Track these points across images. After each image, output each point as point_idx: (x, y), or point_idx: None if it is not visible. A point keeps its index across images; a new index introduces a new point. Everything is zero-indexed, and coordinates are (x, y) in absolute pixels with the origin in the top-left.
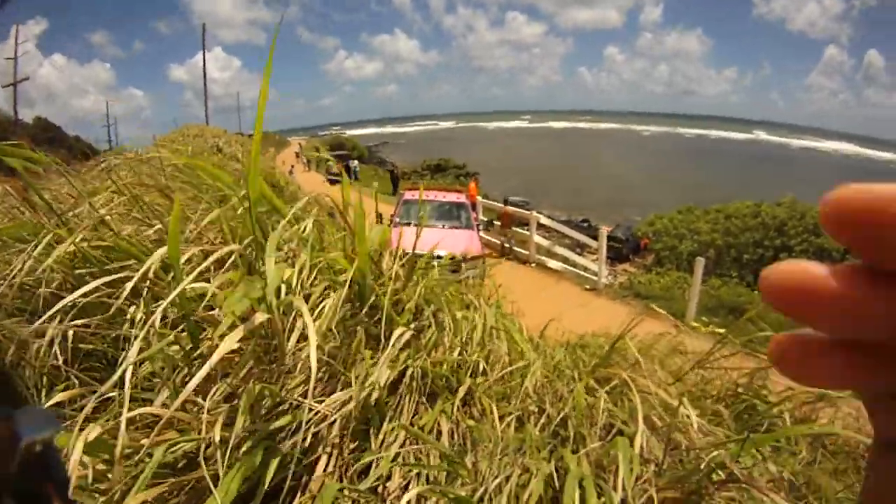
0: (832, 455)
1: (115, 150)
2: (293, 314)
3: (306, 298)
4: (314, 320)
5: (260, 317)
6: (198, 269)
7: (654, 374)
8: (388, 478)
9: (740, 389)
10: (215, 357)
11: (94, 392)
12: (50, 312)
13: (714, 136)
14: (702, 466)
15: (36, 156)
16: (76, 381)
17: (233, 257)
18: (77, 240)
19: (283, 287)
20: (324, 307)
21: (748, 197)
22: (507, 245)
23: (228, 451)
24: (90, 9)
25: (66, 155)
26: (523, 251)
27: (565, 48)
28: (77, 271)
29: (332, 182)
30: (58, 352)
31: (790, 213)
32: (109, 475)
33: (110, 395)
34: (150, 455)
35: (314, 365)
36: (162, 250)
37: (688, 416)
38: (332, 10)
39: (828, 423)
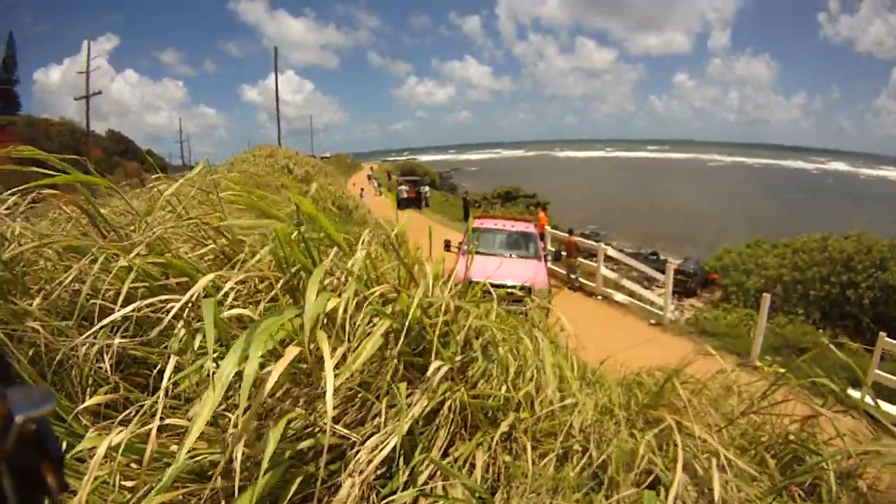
0: None
1: (185, 167)
2: (332, 338)
3: (351, 327)
4: (352, 350)
5: (293, 351)
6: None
7: (703, 417)
8: None
9: (791, 437)
10: (244, 389)
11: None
12: (103, 323)
13: (783, 165)
14: None
15: (91, 179)
16: (119, 386)
17: (279, 284)
18: (134, 256)
19: (324, 317)
20: (362, 338)
21: (817, 229)
22: (573, 276)
23: (252, 467)
24: (160, 28)
25: (138, 168)
26: (590, 283)
27: (636, 74)
28: (132, 285)
29: (403, 207)
30: (105, 357)
31: (857, 246)
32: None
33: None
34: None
35: (330, 400)
36: (207, 278)
37: (729, 467)
38: (401, 33)
39: (873, 480)
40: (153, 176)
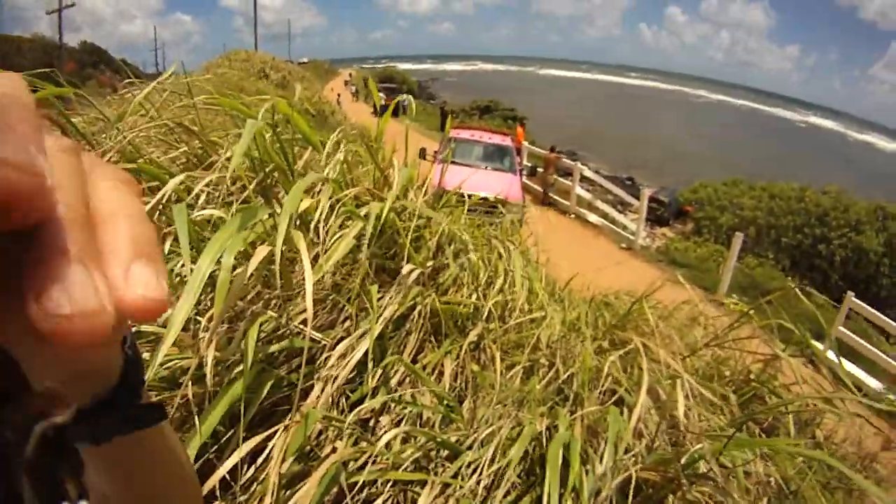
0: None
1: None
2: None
3: (325, 230)
4: (326, 252)
5: (262, 250)
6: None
7: (669, 345)
8: (382, 412)
9: (752, 376)
10: (219, 290)
11: None
12: None
13: (769, 112)
14: (686, 456)
15: (58, 90)
16: None
17: (252, 185)
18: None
19: (297, 219)
20: (336, 240)
21: (794, 180)
22: (548, 193)
23: (223, 372)
24: None
25: (111, 77)
26: (563, 201)
27: (628, 1)
28: None
29: (380, 115)
30: None
31: (834, 203)
32: None
33: None
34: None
35: (309, 300)
36: (176, 179)
37: (692, 396)
38: None
39: (832, 429)
40: (125, 83)
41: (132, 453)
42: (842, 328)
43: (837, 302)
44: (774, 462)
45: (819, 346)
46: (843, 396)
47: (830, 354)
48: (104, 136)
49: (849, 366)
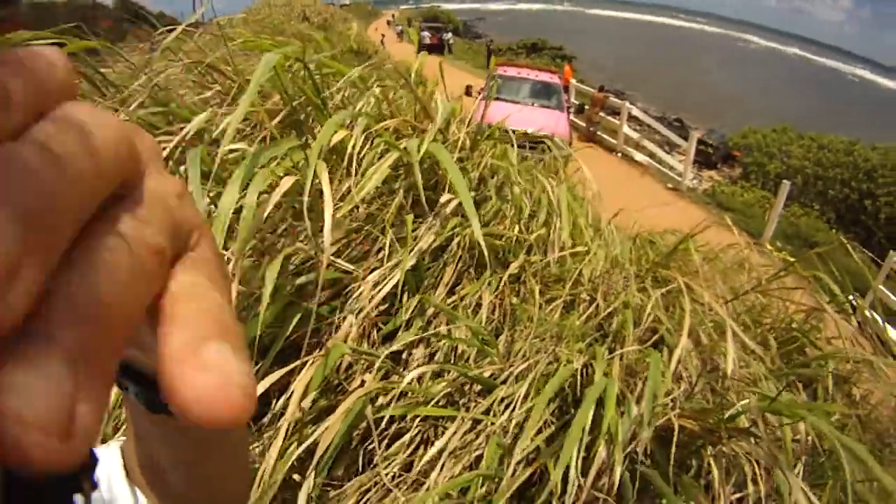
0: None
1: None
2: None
3: (359, 162)
4: (357, 185)
5: (288, 181)
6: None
7: (712, 287)
8: (415, 345)
9: (795, 325)
10: (244, 220)
11: None
12: None
13: (820, 63)
14: (731, 410)
15: (85, 44)
16: None
17: (278, 117)
18: (135, 108)
19: (329, 151)
20: (368, 171)
21: (842, 133)
22: (594, 130)
23: (253, 304)
24: None
25: (149, 32)
26: (611, 140)
27: None
28: None
29: (425, 51)
30: None
31: (883, 160)
32: None
33: None
34: None
35: (328, 230)
36: (201, 117)
37: (734, 341)
38: None
39: (866, 391)
40: (158, 31)
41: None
42: (882, 287)
43: (881, 259)
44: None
45: (862, 302)
46: (884, 363)
47: (873, 314)
48: (135, 82)
49: (887, 327)
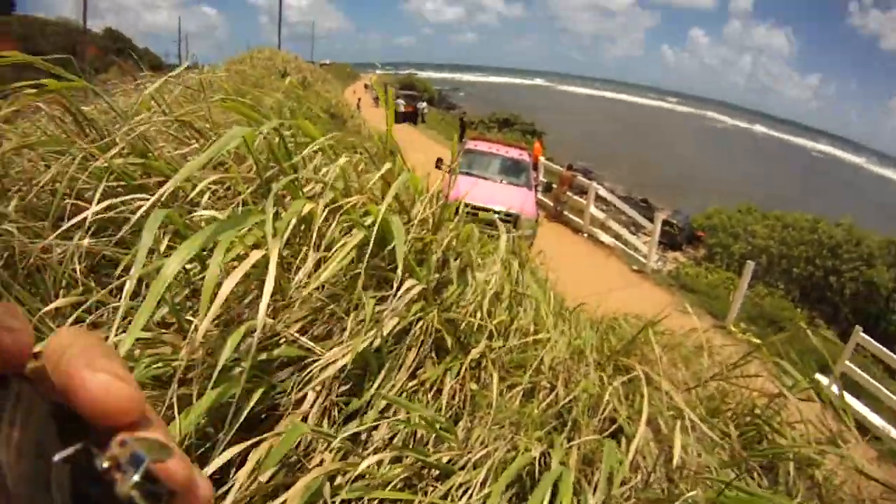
0: None
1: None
2: (306, 248)
3: (321, 238)
4: (326, 261)
5: (256, 254)
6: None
7: (674, 374)
8: (375, 428)
9: (757, 411)
10: (205, 291)
11: (98, 300)
12: (74, 220)
13: (787, 140)
14: (679, 501)
15: (70, 84)
16: (90, 289)
17: (250, 188)
18: (113, 156)
19: (294, 224)
20: (335, 249)
21: (808, 210)
22: (561, 210)
23: (215, 375)
24: None
25: (133, 66)
26: (577, 219)
27: (652, 21)
28: (110, 183)
29: (399, 121)
30: (76, 260)
31: (846, 236)
32: None
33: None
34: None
35: (263, 311)
36: (178, 175)
37: (691, 431)
38: None
39: (832, 471)
40: (140, 74)
41: None
42: (848, 363)
43: (847, 335)
44: None
45: (825, 379)
46: (839, 452)
47: (835, 390)
48: (116, 127)
49: (853, 402)
